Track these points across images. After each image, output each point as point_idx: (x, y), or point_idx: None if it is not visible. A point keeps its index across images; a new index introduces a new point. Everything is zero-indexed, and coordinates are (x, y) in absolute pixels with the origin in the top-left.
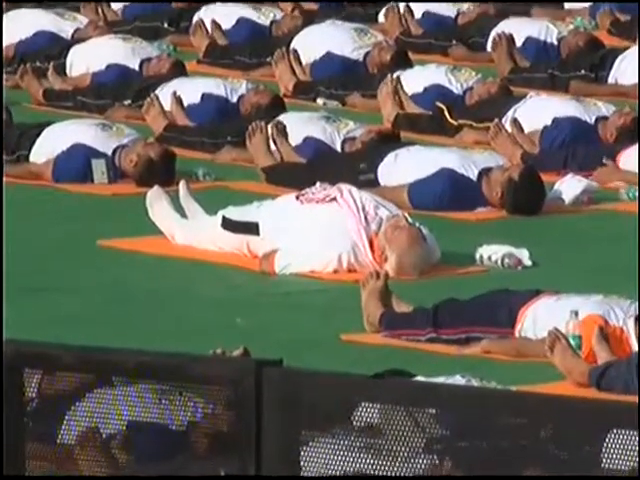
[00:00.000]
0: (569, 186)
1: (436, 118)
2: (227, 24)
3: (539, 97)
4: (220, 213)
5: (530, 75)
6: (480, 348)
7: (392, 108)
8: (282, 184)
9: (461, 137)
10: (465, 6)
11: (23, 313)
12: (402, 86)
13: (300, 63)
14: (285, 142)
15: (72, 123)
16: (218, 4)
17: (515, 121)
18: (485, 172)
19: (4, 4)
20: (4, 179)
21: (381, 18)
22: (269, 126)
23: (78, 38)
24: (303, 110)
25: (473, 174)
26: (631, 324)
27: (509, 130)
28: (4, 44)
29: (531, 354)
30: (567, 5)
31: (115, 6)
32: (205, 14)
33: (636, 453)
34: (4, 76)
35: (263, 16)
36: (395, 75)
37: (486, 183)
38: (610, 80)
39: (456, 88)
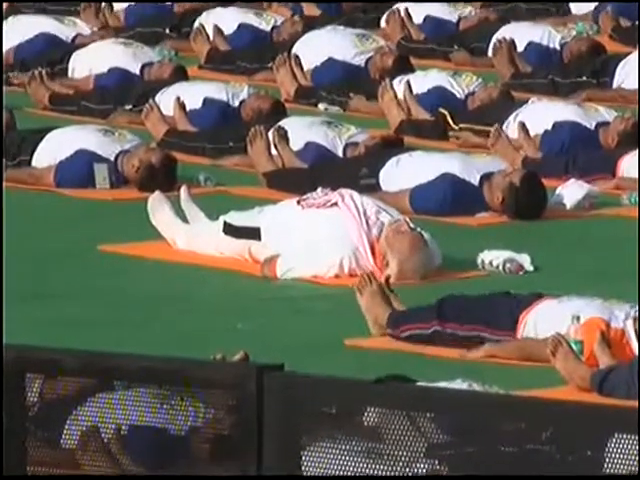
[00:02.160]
0: (571, 191)
1: (439, 124)
2: (228, 29)
3: (540, 102)
4: (221, 218)
5: (531, 80)
6: (483, 352)
7: (397, 114)
8: (283, 189)
9: (465, 140)
10: (467, 11)
11: (24, 318)
12: (411, 90)
13: (301, 68)
14: (286, 147)
15: (74, 128)
16: (219, 9)
17: (523, 125)
18: (486, 177)
19: (4, 9)
20: (4, 183)
21: (382, 23)
22: (271, 131)
23: (79, 43)
24: (304, 115)
25: (475, 179)
26: (631, 325)
27: (515, 133)
28: (4, 49)
29: (535, 354)
30: (573, 10)
31: (117, 11)
32: (206, 19)
33: (637, 458)
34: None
35: (264, 21)
36: (405, 80)
37: (487, 188)
38: (613, 86)
39: (458, 93)
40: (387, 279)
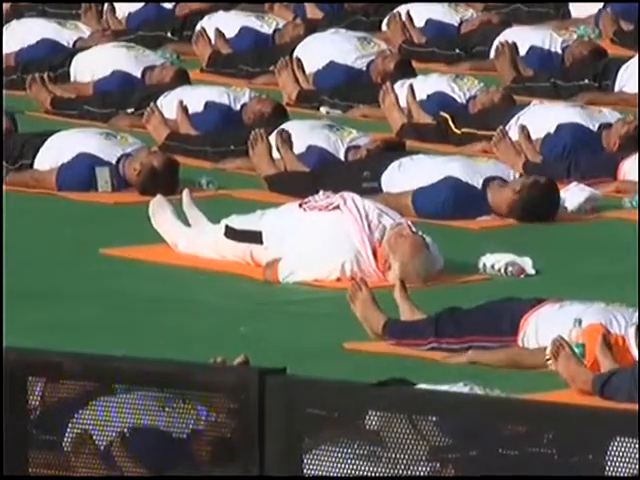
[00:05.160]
0: (573, 195)
1: (441, 128)
2: (230, 33)
3: (542, 105)
4: (223, 222)
5: (533, 84)
6: (466, 358)
7: (398, 117)
8: (285, 193)
9: (469, 148)
10: (468, 14)
11: (26, 321)
12: (414, 94)
13: (303, 72)
14: (289, 151)
15: (76, 132)
16: (221, 13)
17: (523, 128)
18: (489, 181)
19: (7, 13)
20: (4, 186)
21: (384, 27)
22: (274, 134)
23: (80, 47)
24: (306, 119)
25: (477, 183)
26: (632, 333)
27: (515, 136)
28: (6, 53)
29: (526, 364)
30: (573, 13)
31: (119, 15)
32: (208, 23)
33: (637, 461)
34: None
35: (266, 25)
36: (407, 84)
37: (496, 194)
38: (615, 89)
39: (459, 97)
40: (402, 282)
